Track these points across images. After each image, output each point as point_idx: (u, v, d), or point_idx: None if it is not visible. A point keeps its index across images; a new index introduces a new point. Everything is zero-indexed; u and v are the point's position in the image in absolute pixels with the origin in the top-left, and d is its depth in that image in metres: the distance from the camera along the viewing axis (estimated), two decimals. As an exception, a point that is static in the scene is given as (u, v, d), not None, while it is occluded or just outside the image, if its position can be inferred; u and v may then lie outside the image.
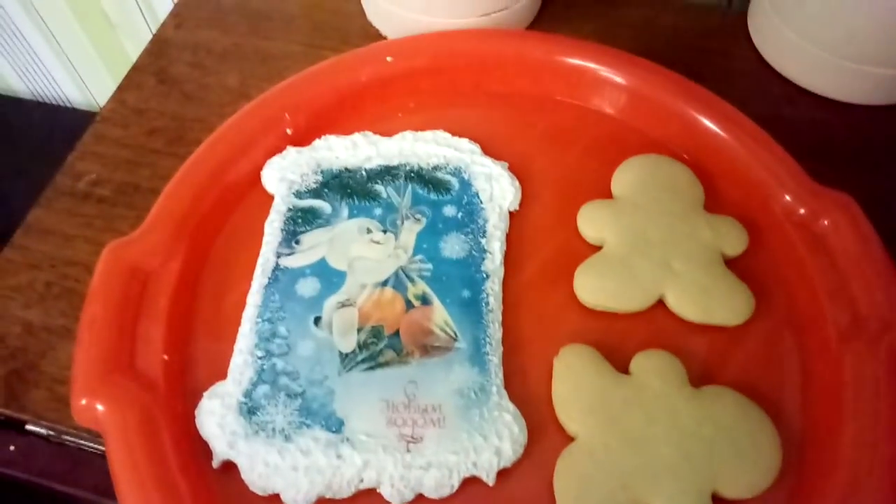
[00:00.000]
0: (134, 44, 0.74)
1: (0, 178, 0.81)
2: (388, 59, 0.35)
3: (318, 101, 0.34)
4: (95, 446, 0.31)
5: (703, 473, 0.24)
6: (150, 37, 0.72)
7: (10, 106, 0.88)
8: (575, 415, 0.25)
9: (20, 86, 0.88)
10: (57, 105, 0.88)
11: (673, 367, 0.26)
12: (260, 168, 0.33)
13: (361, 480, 0.25)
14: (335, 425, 0.26)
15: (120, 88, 0.39)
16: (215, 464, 0.26)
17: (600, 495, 0.24)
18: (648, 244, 0.29)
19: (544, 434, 0.26)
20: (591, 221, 0.30)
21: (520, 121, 0.35)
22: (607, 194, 0.32)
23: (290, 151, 0.33)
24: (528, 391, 0.27)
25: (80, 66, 0.81)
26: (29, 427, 0.31)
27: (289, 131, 0.34)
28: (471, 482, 0.25)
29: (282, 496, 0.25)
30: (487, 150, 0.33)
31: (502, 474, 0.25)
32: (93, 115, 0.87)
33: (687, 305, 0.28)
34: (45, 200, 0.35)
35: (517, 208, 0.32)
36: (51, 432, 0.31)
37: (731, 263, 0.29)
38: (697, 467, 0.24)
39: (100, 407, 0.25)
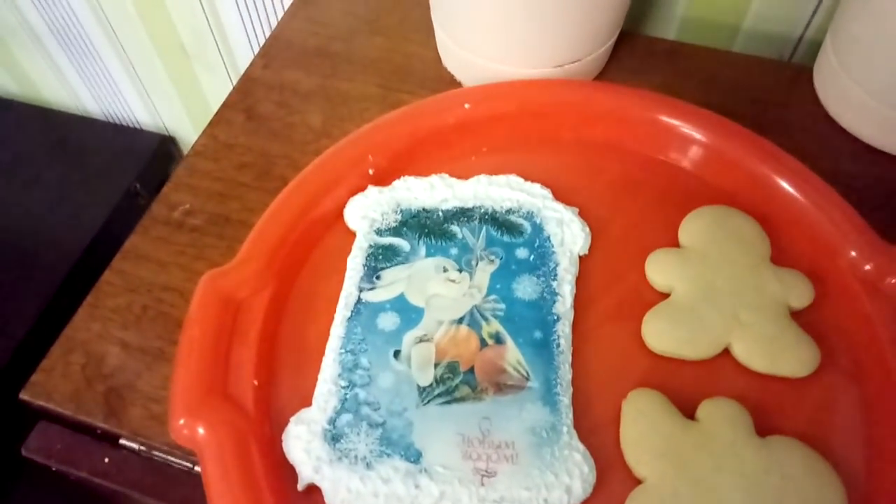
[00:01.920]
0: (207, 74, 0.78)
1: (72, 193, 0.86)
2: (466, 105, 0.37)
3: (399, 144, 0.37)
4: (182, 462, 0.33)
5: (769, 522, 0.25)
6: (223, 68, 0.76)
7: (84, 125, 0.93)
8: (645, 458, 0.27)
9: (94, 106, 0.93)
10: (127, 126, 0.93)
11: (740, 416, 0.27)
12: (343, 206, 0.35)
13: (438, 510, 0.26)
14: (414, 456, 0.27)
15: (211, 124, 0.41)
16: (300, 487, 0.27)
17: (668, 537, 0.25)
18: (717, 294, 0.30)
19: (612, 475, 0.27)
20: (660, 269, 0.32)
21: (590, 168, 0.37)
22: (674, 242, 0.33)
23: (372, 191, 0.35)
24: (595, 432, 0.28)
25: (153, 92, 0.85)
26: (122, 441, 0.33)
27: (371, 171, 0.36)
28: (541, 517, 0.26)
29: (363, 521, 0.26)
30: (558, 196, 0.35)
31: (571, 511, 0.26)
32: (161, 136, 0.91)
33: (753, 356, 0.29)
34: (141, 228, 0.37)
35: (587, 253, 0.33)
36: (142, 447, 0.33)
37: (796, 316, 0.30)
38: (764, 516, 0.25)
39: (200, 429, 0.27)
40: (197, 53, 0.76)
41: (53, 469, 0.35)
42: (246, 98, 0.43)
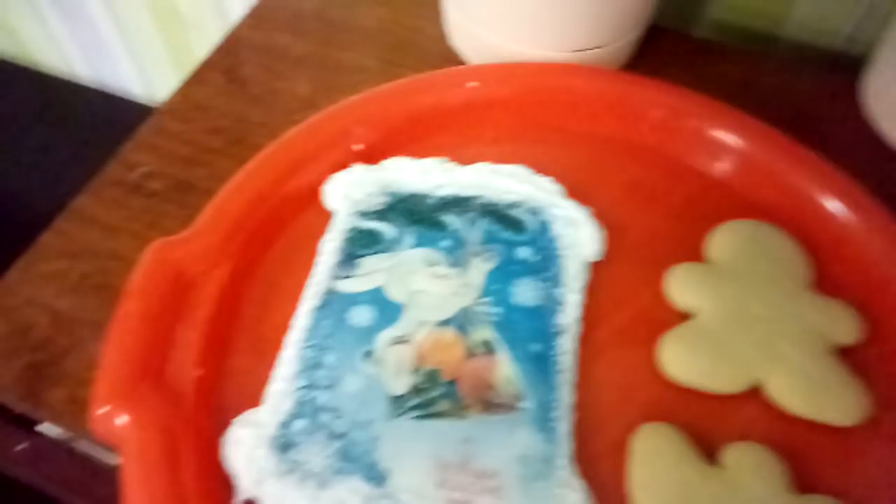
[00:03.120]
0: (201, 41, 0.74)
1: (55, 160, 0.81)
2: (474, 84, 0.33)
3: (393, 119, 0.32)
4: (108, 458, 0.28)
5: None
6: (218, 35, 0.72)
7: (73, 91, 0.88)
8: (655, 506, 0.22)
9: (85, 72, 0.88)
10: (117, 96, 0.88)
11: (773, 467, 0.23)
12: (321, 182, 0.30)
13: (400, 547, 0.22)
14: (378, 478, 0.23)
15: (186, 83, 0.37)
16: (236, 502, 0.23)
17: None
18: (749, 319, 0.26)
19: (614, 522, 0.23)
20: (683, 286, 0.27)
21: (607, 167, 0.32)
22: (697, 258, 0.29)
23: (357, 168, 0.31)
24: (597, 469, 0.24)
25: (146, 59, 0.81)
26: (38, 429, 0.28)
27: (357, 147, 0.31)
28: (523, 567, 0.22)
29: (307, 552, 0.22)
30: (569, 194, 0.30)
31: (562, 563, 0.22)
32: (151, 109, 0.87)
33: (791, 395, 0.24)
34: (92, 188, 0.33)
35: (599, 260, 0.29)
36: (63, 436, 0.28)
37: (841, 354, 0.26)
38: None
39: (121, 420, 0.23)
40: (192, 18, 0.72)
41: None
42: (228, 58, 0.38)
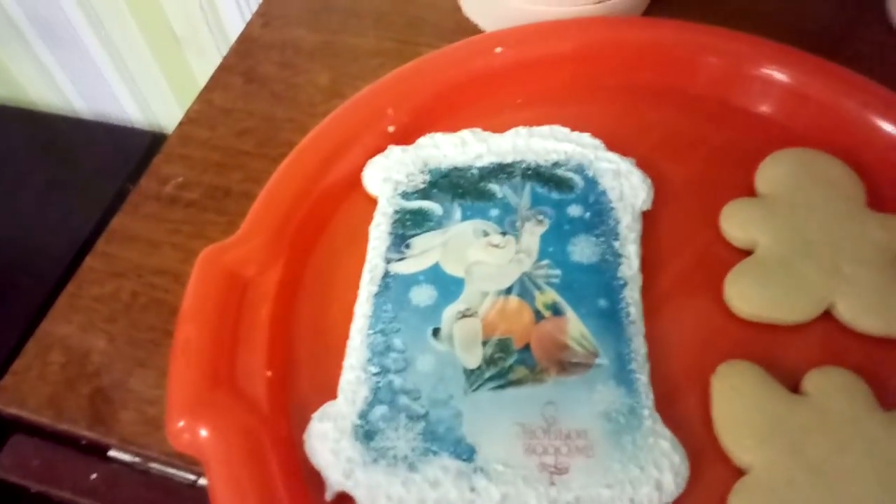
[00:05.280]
0: (199, 61, 0.74)
1: (60, 196, 0.81)
2: (498, 49, 0.32)
3: (422, 96, 0.32)
4: (184, 475, 0.28)
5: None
6: (215, 52, 0.71)
7: (72, 125, 0.88)
8: (747, 443, 0.22)
9: (82, 105, 0.88)
10: (117, 125, 0.88)
11: (857, 387, 0.23)
12: (360, 169, 0.30)
13: (500, 517, 0.22)
14: (466, 453, 0.22)
15: (206, 89, 0.37)
16: (328, 496, 0.23)
17: (788, 539, 0.20)
18: (811, 246, 0.26)
19: (707, 465, 0.23)
20: (739, 222, 0.27)
21: (643, 117, 0.32)
22: (749, 193, 0.28)
23: (394, 150, 0.30)
24: (680, 415, 0.24)
25: (143, 84, 0.81)
26: (112, 454, 0.28)
27: (391, 129, 0.31)
28: (624, 521, 0.22)
29: (408, 534, 0.22)
30: (610, 148, 0.30)
31: (663, 512, 0.22)
32: (153, 134, 0.86)
33: (863, 315, 0.24)
34: (129, 206, 0.33)
35: (649, 208, 0.28)
36: (136, 459, 0.28)
37: (907, 267, 0.25)
38: (907, 507, 0.20)
39: (203, 431, 0.23)
40: (187, 36, 0.71)
41: (32, 490, 0.30)
42: (244, 60, 0.38)
